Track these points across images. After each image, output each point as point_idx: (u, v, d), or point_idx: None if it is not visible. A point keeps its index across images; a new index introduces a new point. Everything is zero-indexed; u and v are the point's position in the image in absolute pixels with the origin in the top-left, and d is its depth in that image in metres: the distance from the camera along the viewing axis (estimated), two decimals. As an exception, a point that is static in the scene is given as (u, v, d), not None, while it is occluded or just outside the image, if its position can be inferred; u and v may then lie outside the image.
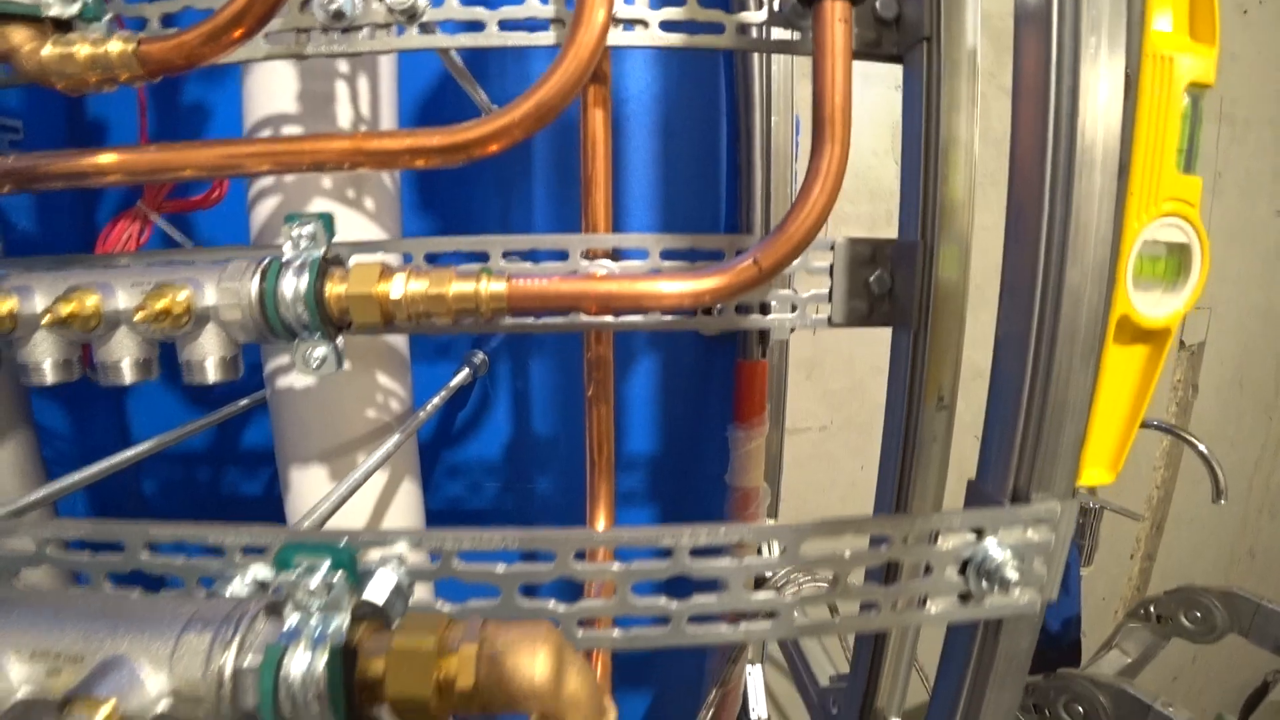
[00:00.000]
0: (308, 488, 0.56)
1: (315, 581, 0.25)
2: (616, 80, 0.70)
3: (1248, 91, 1.08)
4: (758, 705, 0.77)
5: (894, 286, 0.44)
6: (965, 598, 0.33)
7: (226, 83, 0.74)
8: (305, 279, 0.35)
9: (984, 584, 0.32)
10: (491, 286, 0.35)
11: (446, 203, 0.72)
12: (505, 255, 0.42)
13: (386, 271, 0.35)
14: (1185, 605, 0.88)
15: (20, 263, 0.46)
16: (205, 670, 0.24)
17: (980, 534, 0.32)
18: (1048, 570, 0.34)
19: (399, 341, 0.58)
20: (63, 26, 0.39)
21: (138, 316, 0.34)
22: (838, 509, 1.06)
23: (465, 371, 0.69)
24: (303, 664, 0.24)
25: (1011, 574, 0.31)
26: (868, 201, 1.05)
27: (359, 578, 0.26)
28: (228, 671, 0.24)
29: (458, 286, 0.35)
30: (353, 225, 0.53)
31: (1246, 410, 1.16)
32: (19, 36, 0.37)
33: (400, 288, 0.35)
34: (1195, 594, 0.87)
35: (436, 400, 0.60)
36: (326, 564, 0.25)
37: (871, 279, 0.44)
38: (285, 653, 0.24)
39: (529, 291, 0.35)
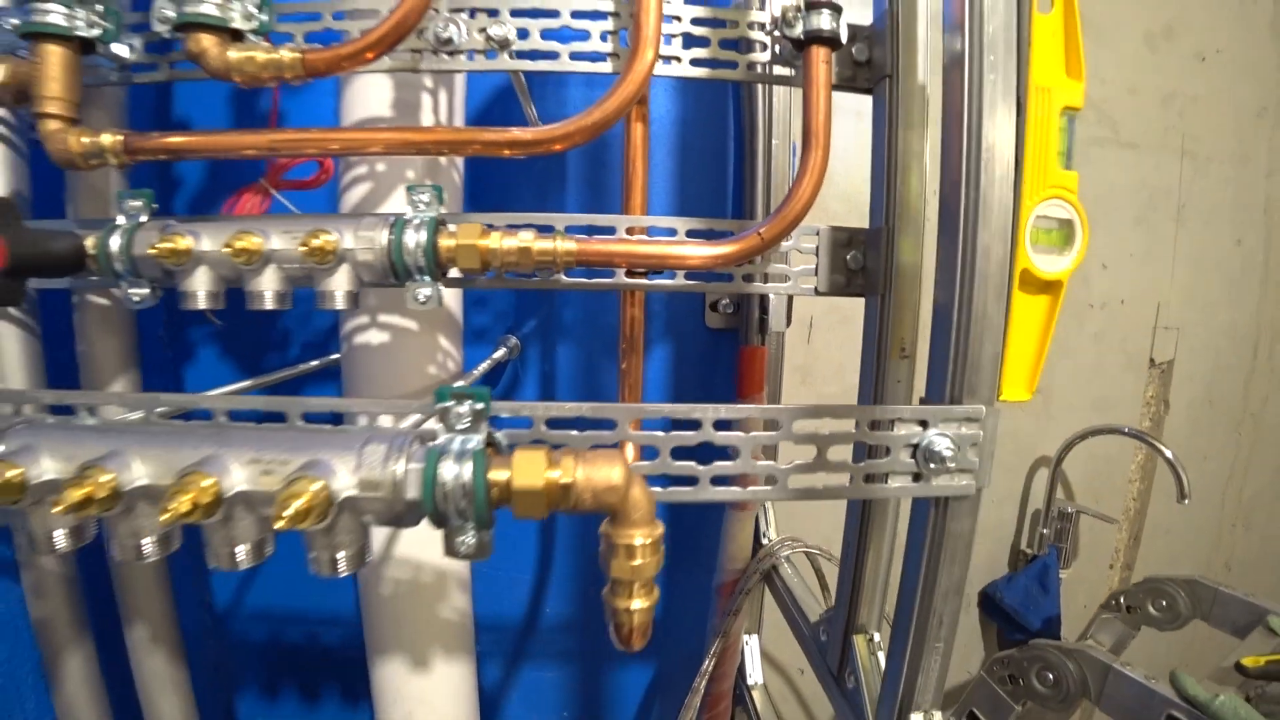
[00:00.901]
0: (373, 434, 0.69)
1: (465, 409, 0.38)
2: (664, 157, 0.89)
3: (1207, 130, 1.28)
4: (754, 671, 0.88)
5: (866, 264, 0.59)
6: (917, 478, 0.47)
7: (300, 91, 0.90)
8: (424, 233, 0.49)
9: (930, 465, 0.46)
10: (566, 245, 0.50)
11: (493, 199, 0.88)
12: (566, 229, 0.57)
13: (486, 229, 0.50)
14: (1152, 595, 1.01)
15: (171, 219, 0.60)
16: (383, 470, 0.38)
17: (925, 425, 0.47)
18: (979, 460, 0.48)
19: (456, 312, 0.73)
20: (236, 35, 0.54)
21: (300, 250, 0.49)
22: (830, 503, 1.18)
23: (503, 350, 0.83)
24: (453, 468, 0.37)
25: (947, 453, 0.45)
26: (859, 222, 1.21)
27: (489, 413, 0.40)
28: (400, 471, 0.38)
29: (540, 244, 0.50)
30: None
31: (1217, 426, 1.32)
32: (208, 41, 0.52)
33: (497, 241, 0.49)
34: (1161, 584, 1.00)
35: (485, 365, 0.74)
36: (470, 400, 0.39)
37: (848, 258, 0.60)
38: (440, 458, 0.38)
39: (593, 249, 0.50)
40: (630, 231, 0.58)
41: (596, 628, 1.02)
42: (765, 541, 0.87)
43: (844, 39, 0.53)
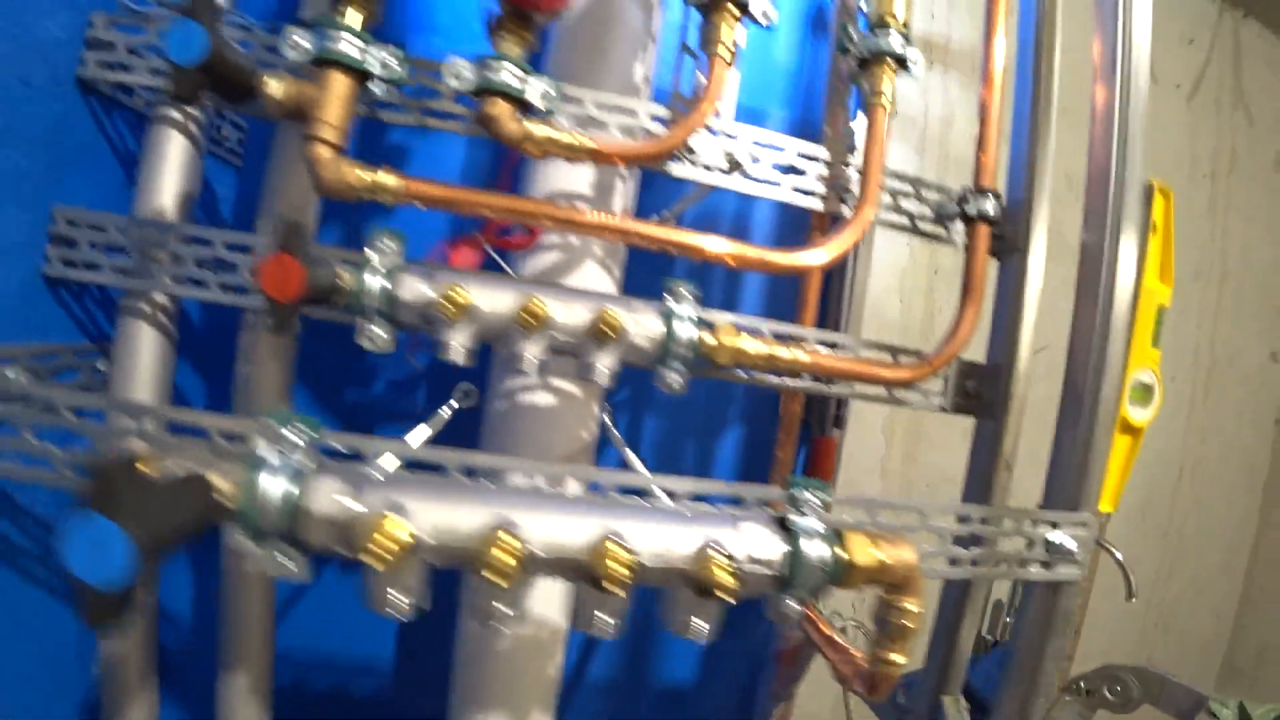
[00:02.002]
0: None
1: (813, 496, 0.56)
2: (752, 228, 1.12)
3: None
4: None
5: (982, 391, 0.84)
6: (1045, 566, 0.71)
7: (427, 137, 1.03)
8: (695, 331, 0.67)
9: (1057, 556, 0.70)
10: (802, 357, 0.70)
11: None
12: (773, 334, 0.76)
13: (739, 332, 0.69)
14: (1108, 680, 1.32)
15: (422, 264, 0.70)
16: (765, 548, 0.53)
17: (1055, 526, 0.71)
18: (1084, 557, 0.72)
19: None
20: (524, 107, 0.66)
21: (592, 327, 0.64)
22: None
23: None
24: (814, 546, 0.54)
25: (1074, 548, 0.69)
26: (877, 331, 1.50)
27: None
28: (780, 550, 0.53)
29: (780, 351, 0.69)
30: (605, 282, 0.85)
31: (1149, 533, 1.72)
32: (504, 108, 0.64)
33: (749, 345, 0.68)
34: (1115, 670, 1.31)
35: (618, 435, 0.90)
36: (818, 489, 0.57)
37: (970, 385, 0.84)
38: (803, 537, 0.54)
39: (819, 363, 0.70)
40: (821, 343, 0.78)
41: (633, 691, 1.16)
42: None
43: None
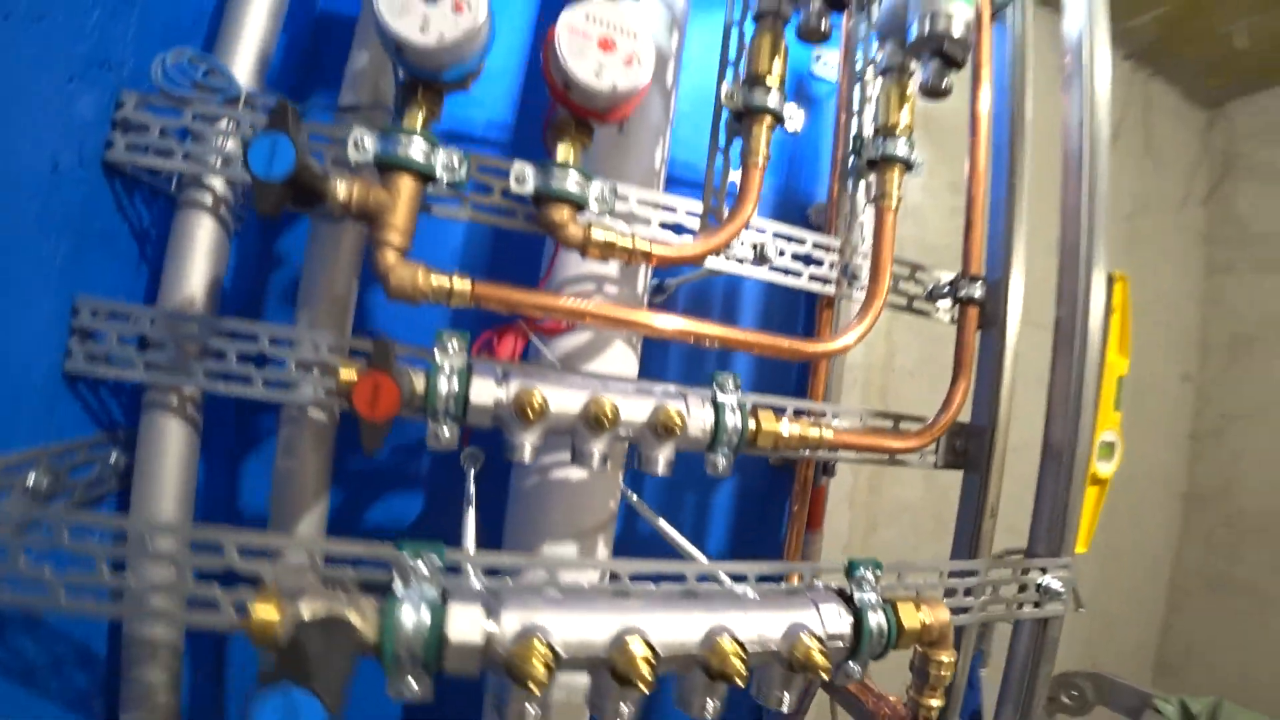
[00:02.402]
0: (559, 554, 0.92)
1: (870, 573, 0.69)
2: (749, 305, 1.24)
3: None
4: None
5: (969, 449, 1.00)
6: (1036, 605, 0.87)
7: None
8: (741, 420, 0.78)
9: (1046, 596, 0.86)
10: (827, 434, 0.82)
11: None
12: (795, 411, 0.89)
13: (779, 418, 0.81)
14: (1065, 686, 1.53)
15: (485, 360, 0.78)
16: (839, 624, 0.65)
17: (1044, 570, 0.86)
18: (1066, 595, 0.88)
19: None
20: (579, 208, 0.74)
21: (658, 420, 0.74)
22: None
23: (624, 477, 1.09)
24: (875, 619, 0.66)
25: (1060, 589, 0.85)
26: (847, 370, 1.65)
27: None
28: (849, 625, 0.66)
29: (811, 431, 0.82)
30: (630, 359, 0.95)
31: (1089, 555, 1.96)
32: (568, 214, 0.73)
33: (785, 429, 0.80)
34: (1071, 676, 1.52)
35: (649, 510, 1.01)
36: (874, 566, 0.69)
37: (958, 444, 1.00)
38: (868, 611, 0.67)
39: (840, 439, 0.84)
40: (833, 415, 0.92)
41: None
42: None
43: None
